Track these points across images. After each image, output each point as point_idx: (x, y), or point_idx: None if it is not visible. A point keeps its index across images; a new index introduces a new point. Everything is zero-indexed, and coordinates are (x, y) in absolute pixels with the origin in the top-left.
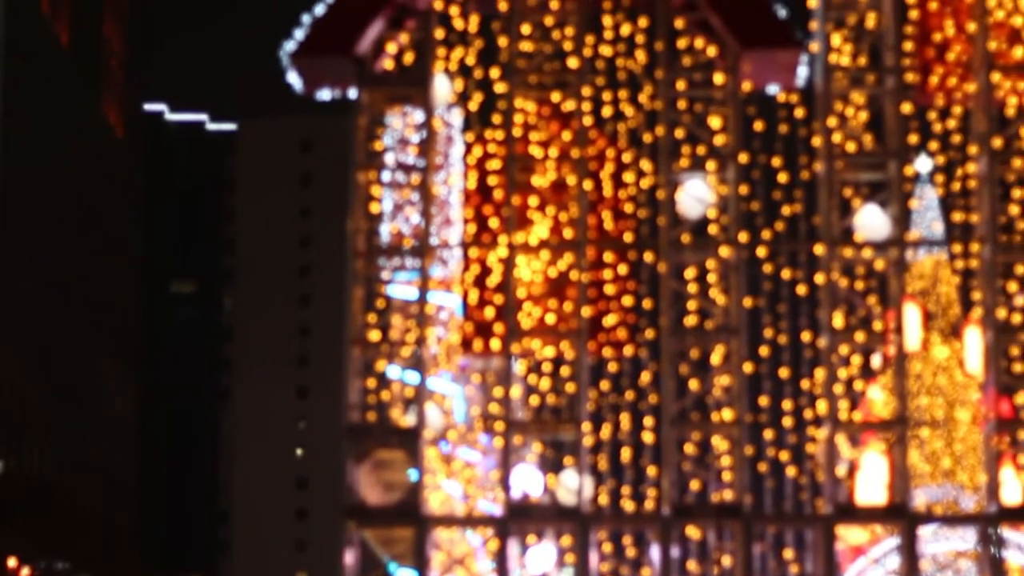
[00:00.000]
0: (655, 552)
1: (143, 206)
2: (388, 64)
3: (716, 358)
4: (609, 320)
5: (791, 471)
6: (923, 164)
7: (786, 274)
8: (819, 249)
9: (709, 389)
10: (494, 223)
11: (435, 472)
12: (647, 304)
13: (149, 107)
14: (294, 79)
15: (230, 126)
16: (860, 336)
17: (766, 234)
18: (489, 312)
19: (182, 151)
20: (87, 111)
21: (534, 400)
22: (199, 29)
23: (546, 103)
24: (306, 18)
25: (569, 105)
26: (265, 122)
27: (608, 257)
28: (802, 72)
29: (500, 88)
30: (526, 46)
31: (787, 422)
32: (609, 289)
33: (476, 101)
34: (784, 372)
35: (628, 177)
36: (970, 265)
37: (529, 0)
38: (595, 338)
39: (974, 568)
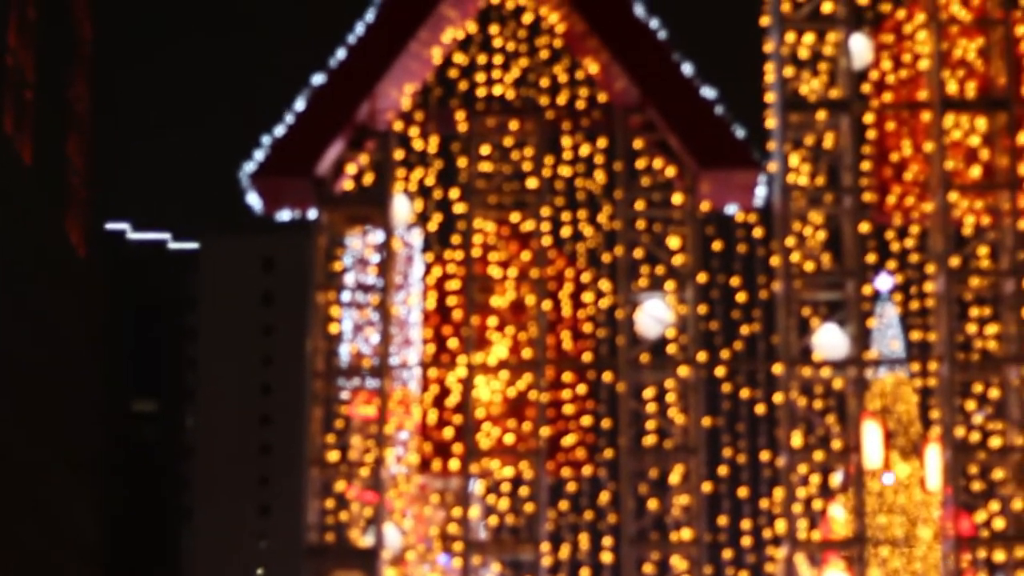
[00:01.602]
0: None
1: (105, 325)
2: (348, 185)
3: (675, 478)
4: (568, 440)
5: None
6: (883, 282)
7: (745, 393)
8: (778, 368)
9: (668, 509)
10: (453, 343)
11: None
12: (606, 424)
13: (111, 226)
14: (253, 200)
15: (192, 245)
16: (819, 455)
17: (725, 354)
18: (448, 432)
19: (144, 270)
20: (49, 230)
21: (493, 520)
22: (161, 149)
23: (505, 223)
24: (266, 139)
25: (528, 225)
26: (227, 241)
27: (567, 377)
28: (760, 192)
29: (459, 208)
30: (485, 167)
31: (746, 542)
32: (568, 409)
33: (435, 221)
34: (743, 492)
35: (587, 297)
36: (929, 383)
37: (488, 121)
38: (554, 458)
39: None
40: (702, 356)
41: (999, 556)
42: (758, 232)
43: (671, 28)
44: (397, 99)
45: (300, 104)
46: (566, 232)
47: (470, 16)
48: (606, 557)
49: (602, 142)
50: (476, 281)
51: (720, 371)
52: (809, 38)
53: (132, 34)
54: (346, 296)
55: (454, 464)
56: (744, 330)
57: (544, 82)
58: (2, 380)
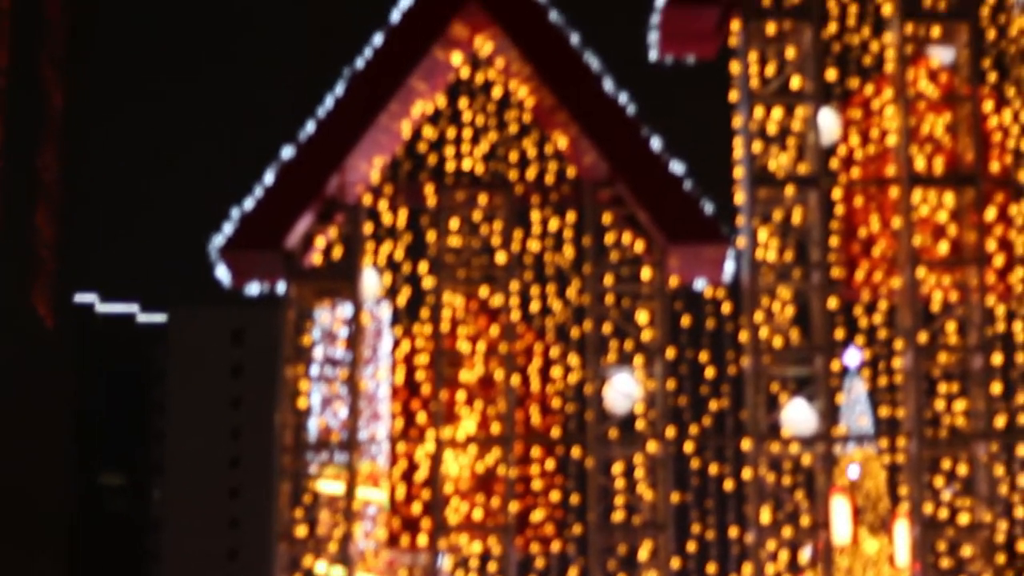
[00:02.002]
0: None
1: (72, 397)
2: (317, 258)
3: (644, 554)
4: (536, 516)
5: None
6: (851, 358)
7: (713, 469)
8: (746, 444)
9: None
10: (422, 418)
11: None
12: (574, 499)
13: (79, 298)
14: (222, 273)
15: (160, 317)
16: (787, 531)
17: (693, 429)
18: (416, 507)
19: (112, 342)
20: (17, 301)
21: None
22: (130, 221)
23: (474, 298)
24: (235, 212)
25: (497, 300)
26: (195, 313)
27: (535, 452)
28: (729, 267)
29: (428, 283)
30: (454, 241)
31: None
32: (536, 484)
33: (404, 295)
34: (711, 568)
35: (556, 372)
36: (897, 459)
37: (457, 196)
38: (522, 534)
39: None
40: (671, 432)
41: None
42: (727, 307)
43: (640, 103)
44: (366, 172)
45: (269, 177)
46: (535, 307)
47: (439, 90)
48: None
49: (571, 217)
50: (445, 355)
51: (689, 447)
52: (777, 113)
53: (102, 105)
54: (315, 370)
55: (422, 539)
56: (713, 406)
57: (513, 156)
58: None
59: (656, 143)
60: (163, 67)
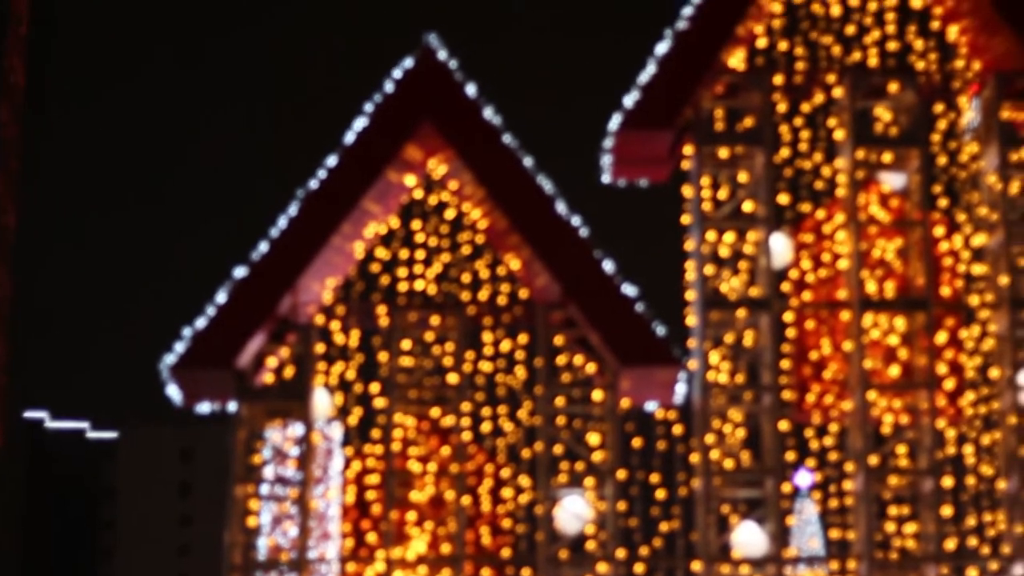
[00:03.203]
0: None
1: (22, 514)
2: (268, 378)
3: None
4: None
5: None
6: (803, 479)
7: None
8: (696, 566)
9: None
10: (372, 538)
11: None
12: None
13: (29, 414)
14: (173, 392)
15: (111, 434)
16: None
17: (644, 551)
18: None
19: (62, 459)
20: None
21: None
22: (80, 339)
23: (425, 418)
24: (186, 331)
25: (448, 420)
26: (146, 431)
27: (486, 573)
28: (680, 389)
29: (380, 403)
30: (406, 361)
31: None
32: None
33: (356, 415)
34: None
35: (506, 493)
36: None
37: (409, 316)
38: None
39: None
40: (621, 553)
41: None
42: (678, 429)
43: (593, 226)
44: (319, 293)
45: (221, 296)
46: (486, 427)
47: (393, 211)
48: None
49: (523, 338)
50: (396, 476)
51: (639, 568)
52: (730, 237)
53: (50, 221)
54: (265, 489)
55: None
56: (663, 527)
57: (466, 278)
58: None
59: (609, 266)
60: (115, 186)
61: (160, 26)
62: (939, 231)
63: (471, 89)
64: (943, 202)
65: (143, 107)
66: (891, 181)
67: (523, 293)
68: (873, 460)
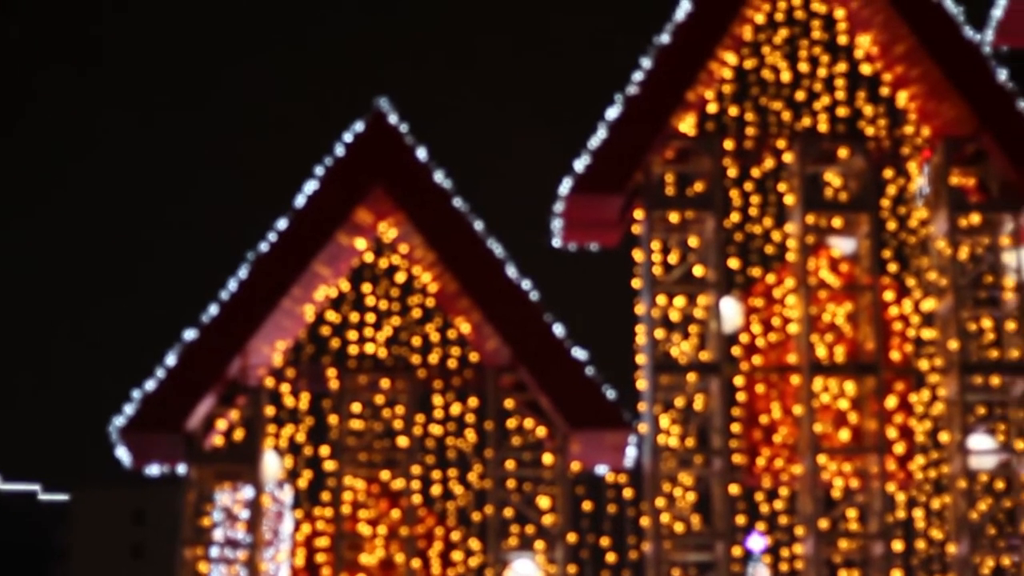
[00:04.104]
0: None
1: None
2: (218, 440)
3: None
4: None
5: None
6: (755, 543)
7: None
8: None
9: None
10: None
11: None
12: None
13: None
14: (123, 454)
15: (63, 496)
16: None
17: None
18: None
19: (13, 521)
20: None
21: None
22: (31, 401)
23: (375, 481)
24: (136, 394)
25: (398, 483)
26: (98, 493)
27: None
28: (631, 453)
29: (329, 466)
30: (356, 424)
31: None
32: None
33: (305, 478)
34: None
35: (456, 556)
36: None
37: (360, 379)
38: None
39: None
40: None
41: None
42: (628, 493)
43: (543, 290)
44: (269, 355)
45: (171, 359)
46: (436, 491)
47: (343, 274)
48: None
49: (473, 401)
50: (345, 538)
51: None
52: (680, 301)
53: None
54: (215, 552)
55: None
56: None
57: (416, 341)
58: None
59: (559, 329)
60: (69, 249)
61: (116, 96)
62: (889, 296)
63: (422, 153)
64: (893, 267)
65: (103, 174)
66: (841, 246)
67: (473, 356)
68: (823, 524)
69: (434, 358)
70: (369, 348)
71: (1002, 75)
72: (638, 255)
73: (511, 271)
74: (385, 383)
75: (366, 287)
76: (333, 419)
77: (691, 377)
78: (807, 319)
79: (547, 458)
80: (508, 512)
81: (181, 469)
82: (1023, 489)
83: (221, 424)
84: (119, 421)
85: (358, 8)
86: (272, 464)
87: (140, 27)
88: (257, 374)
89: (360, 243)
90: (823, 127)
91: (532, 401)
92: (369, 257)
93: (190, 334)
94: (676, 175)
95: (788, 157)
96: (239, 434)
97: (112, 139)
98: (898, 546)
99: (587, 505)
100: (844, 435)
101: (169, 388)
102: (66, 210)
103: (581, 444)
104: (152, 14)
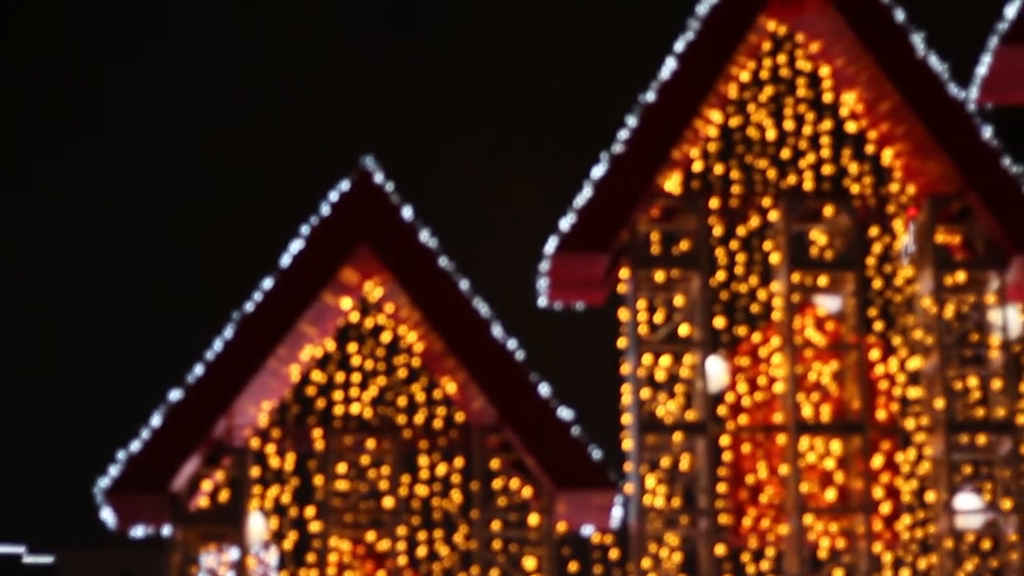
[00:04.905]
0: None
1: None
2: (203, 501)
3: None
4: None
5: None
6: None
7: None
8: None
9: None
10: None
11: None
12: None
13: None
14: (108, 516)
15: (47, 559)
16: None
17: None
18: None
19: None
20: None
21: None
22: (17, 462)
23: (361, 542)
24: (121, 455)
25: (384, 545)
26: (83, 554)
27: None
28: (617, 513)
29: (315, 527)
30: (341, 485)
31: None
32: None
33: (291, 540)
34: None
35: None
36: None
37: (345, 440)
38: None
39: None
40: None
41: None
42: (614, 553)
43: (528, 350)
44: (254, 416)
45: (156, 420)
46: (422, 552)
47: (329, 334)
48: None
49: (459, 462)
50: None
51: None
52: (666, 360)
53: None
54: None
55: None
56: None
57: (402, 401)
58: None
59: (544, 389)
60: (51, 304)
61: (111, 163)
62: (875, 354)
63: (408, 212)
64: (878, 325)
65: (87, 236)
66: (827, 304)
67: (459, 417)
68: None
69: (420, 418)
70: (355, 408)
71: (987, 133)
72: (623, 314)
73: (497, 331)
74: (371, 443)
75: (352, 347)
76: (319, 480)
77: (677, 437)
78: (793, 378)
79: (533, 519)
80: (494, 573)
81: (166, 530)
82: (1010, 549)
83: (206, 485)
84: (104, 483)
85: (341, 66)
86: (257, 525)
87: (118, 95)
88: (242, 435)
89: (346, 303)
90: (808, 185)
91: (518, 461)
92: (355, 317)
93: (175, 395)
94: (662, 233)
95: (774, 215)
96: (224, 495)
97: (85, 211)
98: None
99: (573, 566)
100: (830, 495)
101: (154, 449)
102: (57, 267)
103: (567, 505)
104: (131, 81)
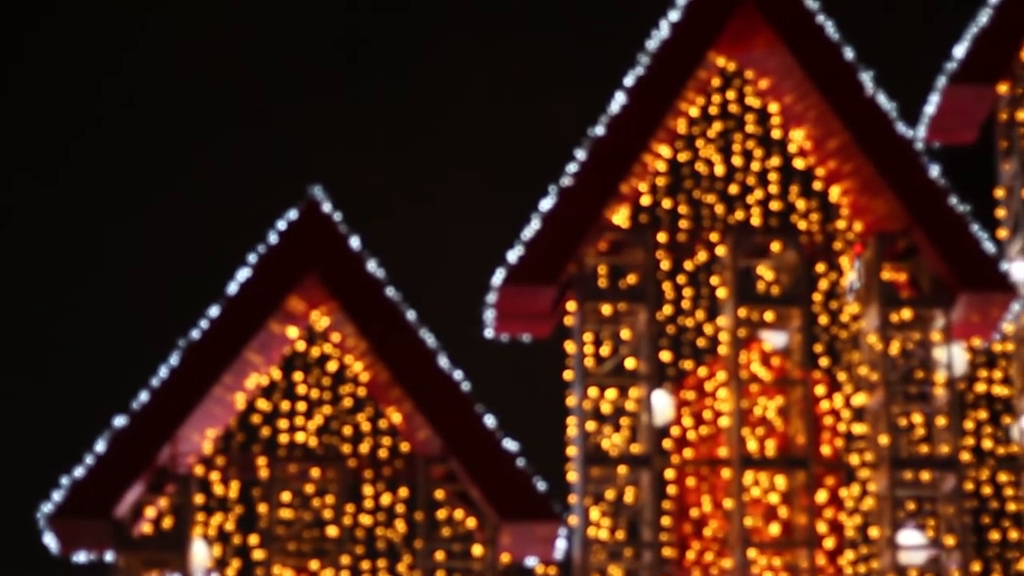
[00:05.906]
0: None
1: None
2: (146, 528)
3: None
4: None
5: None
6: None
7: None
8: None
9: None
10: None
11: None
12: None
13: None
14: (50, 541)
15: None
16: None
17: None
18: None
19: None
20: None
21: None
22: None
23: (304, 571)
24: (64, 480)
25: (327, 574)
26: None
27: None
28: (561, 545)
29: (259, 555)
30: (285, 513)
31: None
32: None
33: (234, 567)
34: None
35: None
36: None
37: (290, 468)
38: None
39: None
40: None
41: None
42: None
43: (474, 381)
44: (199, 443)
45: (100, 446)
46: None
47: (274, 363)
48: None
49: (403, 492)
50: None
51: None
52: (612, 393)
53: None
54: None
55: None
56: None
57: (347, 430)
58: None
59: (490, 421)
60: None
61: (67, 202)
62: (820, 390)
63: (355, 242)
64: (824, 361)
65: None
66: (773, 340)
67: (404, 447)
68: None
69: (365, 448)
70: (300, 437)
71: (934, 171)
72: (570, 347)
73: (443, 362)
74: (315, 472)
75: (297, 376)
76: (263, 508)
77: (622, 470)
78: (738, 413)
79: (477, 549)
80: None
81: (109, 556)
82: None
83: (150, 511)
84: (47, 508)
85: (291, 98)
86: (201, 552)
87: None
88: (187, 462)
89: (292, 331)
90: (756, 221)
91: (463, 492)
92: (301, 346)
93: (120, 421)
94: (609, 267)
95: (721, 250)
96: (168, 522)
97: (35, 242)
98: None
99: None
100: (774, 529)
101: (98, 475)
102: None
103: (511, 536)
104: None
